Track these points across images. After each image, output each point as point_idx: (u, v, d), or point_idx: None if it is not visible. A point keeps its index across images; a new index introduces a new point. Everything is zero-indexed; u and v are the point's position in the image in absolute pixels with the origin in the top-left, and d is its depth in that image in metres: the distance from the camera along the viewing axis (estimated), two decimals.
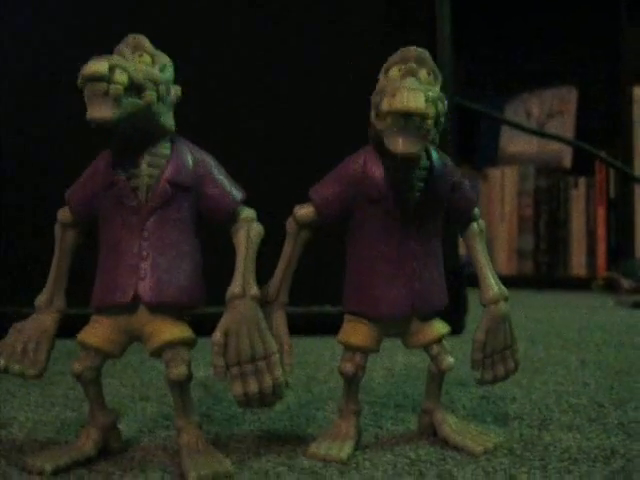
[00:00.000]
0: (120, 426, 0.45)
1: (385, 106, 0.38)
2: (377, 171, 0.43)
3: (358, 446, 0.45)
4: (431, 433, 0.47)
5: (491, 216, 1.87)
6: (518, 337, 0.47)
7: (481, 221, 0.47)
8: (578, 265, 1.78)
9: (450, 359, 0.45)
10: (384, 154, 0.42)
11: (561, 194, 1.80)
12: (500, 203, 1.88)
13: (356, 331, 0.44)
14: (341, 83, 0.91)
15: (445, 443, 0.45)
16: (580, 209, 1.78)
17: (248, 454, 0.43)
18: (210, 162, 0.43)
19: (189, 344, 0.41)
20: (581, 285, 1.71)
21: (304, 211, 0.44)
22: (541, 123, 1.90)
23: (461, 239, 0.47)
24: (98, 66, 0.37)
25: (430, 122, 0.38)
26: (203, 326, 0.44)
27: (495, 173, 1.90)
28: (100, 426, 0.43)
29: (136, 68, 0.38)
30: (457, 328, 0.87)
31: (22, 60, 0.90)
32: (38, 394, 0.59)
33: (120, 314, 0.41)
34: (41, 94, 0.87)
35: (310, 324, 0.86)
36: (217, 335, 0.40)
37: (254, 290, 0.41)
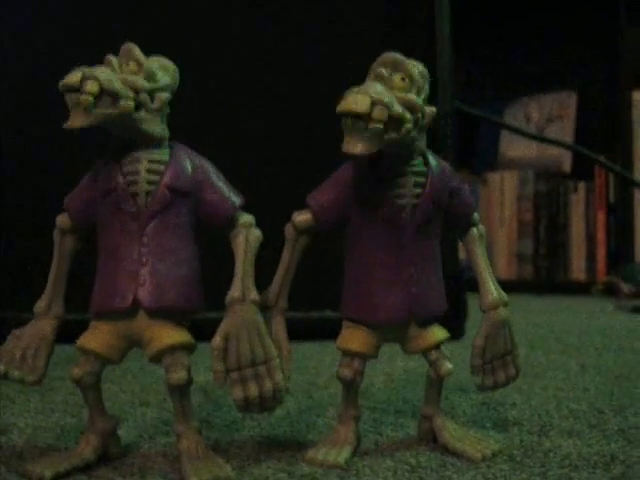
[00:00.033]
0: (120, 432, 0.45)
1: (337, 108, 0.39)
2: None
3: (358, 452, 0.44)
4: (431, 439, 0.47)
5: (491, 221, 1.87)
6: (518, 342, 0.47)
7: (481, 226, 0.47)
8: (578, 269, 1.78)
9: (449, 365, 0.45)
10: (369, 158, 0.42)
11: (561, 199, 1.81)
12: (500, 208, 1.88)
13: (354, 337, 0.44)
14: (341, 83, 0.91)
15: (445, 449, 0.45)
16: (580, 213, 1.78)
17: (248, 460, 0.43)
18: (209, 168, 0.43)
19: (189, 349, 0.41)
20: (581, 290, 1.71)
21: (302, 217, 0.44)
22: (541, 128, 1.90)
23: (461, 244, 0.47)
24: (71, 77, 0.38)
25: (379, 125, 0.38)
26: (203, 331, 0.44)
27: (495, 178, 1.90)
28: (100, 432, 0.43)
29: (111, 77, 0.39)
30: (457, 333, 0.87)
31: (22, 60, 0.90)
32: (38, 400, 0.59)
33: (119, 319, 0.41)
34: (41, 94, 0.87)
35: (310, 329, 0.86)
36: (217, 340, 0.40)
37: (254, 295, 0.41)
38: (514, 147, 1.94)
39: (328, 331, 0.55)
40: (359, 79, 0.41)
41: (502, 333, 0.45)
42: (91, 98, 0.38)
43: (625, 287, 1.47)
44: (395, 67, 0.41)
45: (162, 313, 0.41)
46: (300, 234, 0.44)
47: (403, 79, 0.41)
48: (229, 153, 0.62)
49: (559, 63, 1.86)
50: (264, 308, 0.43)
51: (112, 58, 0.41)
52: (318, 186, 0.45)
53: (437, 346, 0.45)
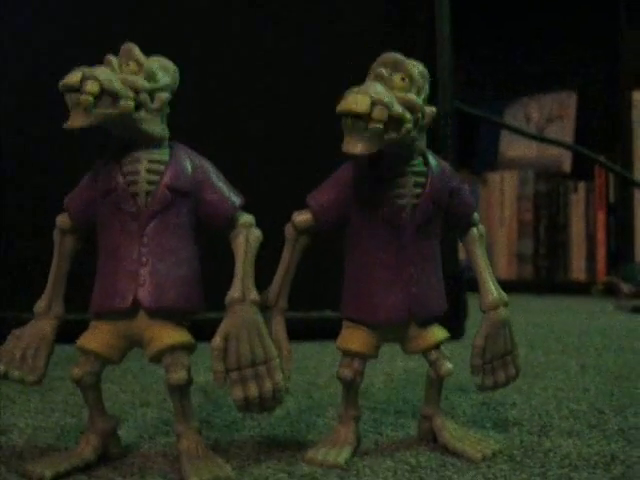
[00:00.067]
0: (120, 432, 0.45)
1: (337, 108, 0.39)
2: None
3: (358, 452, 0.44)
4: (431, 439, 0.47)
5: (491, 221, 1.87)
6: (518, 342, 0.47)
7: (481, 226, 0.47)
8: (578, 270, 1.78)
9: (449, 365, 0.45)
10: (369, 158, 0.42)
11: (561, 199, 1.81)
12: (500, 208, 1.88)
13: (354, 337, 0.44)
14: (341, 83, 0.91)
15: (445, 449, 0.45)
16: (580, 213, 1.78)
17: (248, 460, 0.43)
18: (209, 168, 0.43)
19: (189, 349, 0.41)
20: (581, 290, 1.71)
21: (302, 217, 0.44)
22: (541, 128, 1.90)
23: (461, 244, 0.47)
24: (71, 77, 0.39)
25: (379, 125, 0.38)
26: (203, 331, 0.44)
27: (495, 178, 1.90)
28: (100, 432, 0.43)
29: (111, 77, 0.39)
30: (457, 333, 0.87)
31: (22, 60, 0.90)
32: (38, 400, 0.59)
33: (119, 319, 0.41)
34: (41, 94, 0.87)
35: (310, 329, 0.86)
36: (217, 340, 0.40)
37: (254, 295, 0.41)
38: (514, 147, 1.94)
39: (328, 331, 0.55)
40: (359, 79, 0.41)
41: (502, 333, 0.45)
42: (91, 98, 0.38)
43: (625, 287, 1.47)
44: (395, 67, 0.41)
45: (162, 313, 0.41)
46: (300, 234, 0.44)
47: (403, 79, 0.41)
48: (229, 153, 0.62)
49: (559, 63, 1.86)
50: (264, 308, 0.43)
51: (112, 58, 0.41)
52: (318, 186, 0.45)
53: (437, 346, 0.45)
